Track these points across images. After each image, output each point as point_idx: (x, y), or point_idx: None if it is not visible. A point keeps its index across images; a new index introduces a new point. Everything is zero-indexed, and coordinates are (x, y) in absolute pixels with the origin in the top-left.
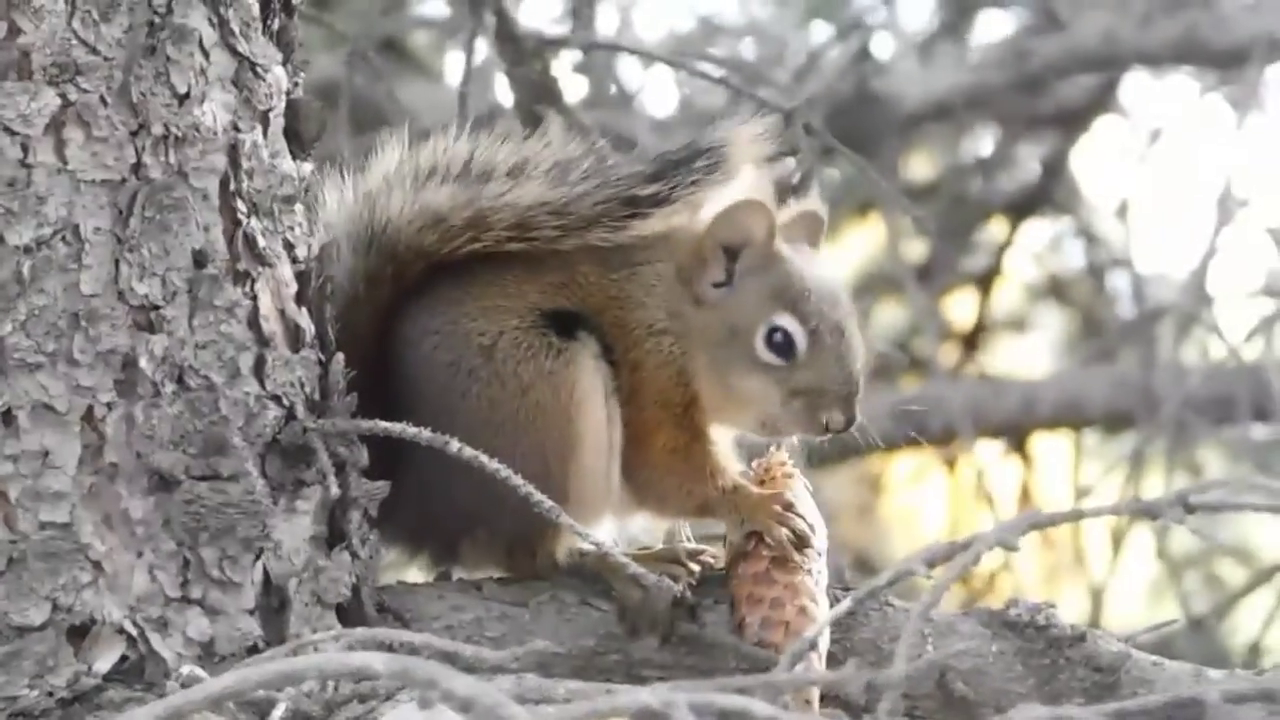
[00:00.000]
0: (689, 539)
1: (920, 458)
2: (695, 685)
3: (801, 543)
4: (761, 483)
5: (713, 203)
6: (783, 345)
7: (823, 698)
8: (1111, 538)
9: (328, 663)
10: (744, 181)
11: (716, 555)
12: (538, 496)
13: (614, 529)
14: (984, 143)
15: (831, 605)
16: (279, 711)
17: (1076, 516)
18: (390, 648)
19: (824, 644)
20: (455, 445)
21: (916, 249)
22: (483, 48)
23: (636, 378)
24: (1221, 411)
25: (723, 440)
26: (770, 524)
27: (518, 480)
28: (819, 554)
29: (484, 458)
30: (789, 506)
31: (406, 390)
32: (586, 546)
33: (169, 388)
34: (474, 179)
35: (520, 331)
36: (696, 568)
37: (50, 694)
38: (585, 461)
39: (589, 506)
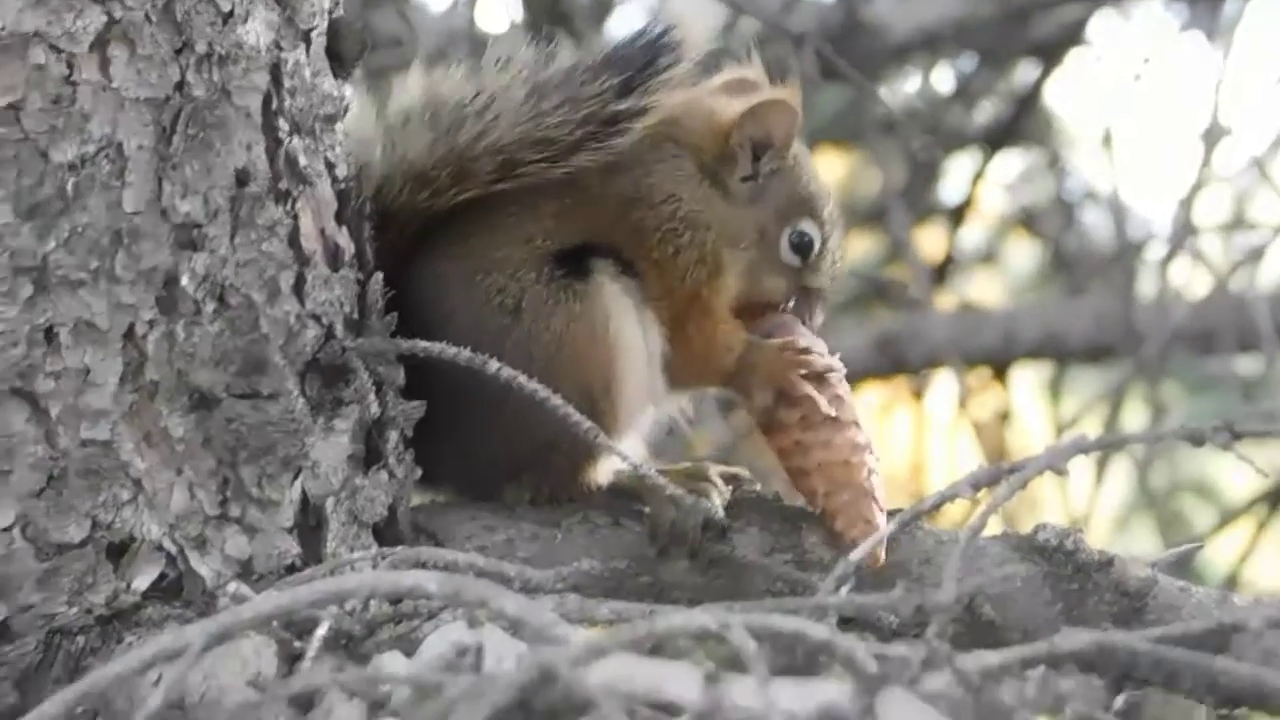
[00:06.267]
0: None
1: (890, 389)
2: (747, 608)
3: (822, 379)
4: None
5: (734, 84)
6: (803, 249)
7: (849, 621)
8: (1096, 469)
9: (379, 581)
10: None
11: (751, 477)
12: (577, 419)
13: (645, 448)
14: (960, 74)
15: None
16: (322, 630)
17: (1122, 442)
18: (426, 566)
19: (878, 482)
20: (494, 365)
21: (882, 182)
22: None
23: (667, 276)
24: (1204, 345)
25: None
26: (790, 377)
27: (557, 401)
28: (840, 378)
29: (523, 378)
30: (804, 350)
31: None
32: (624, 467)
33: (210, 306)
34: (446, 126)
35: (541, 287)
36: (729, 489)
37: (89, 611)
38: (630, 390)
39: (634, 426)
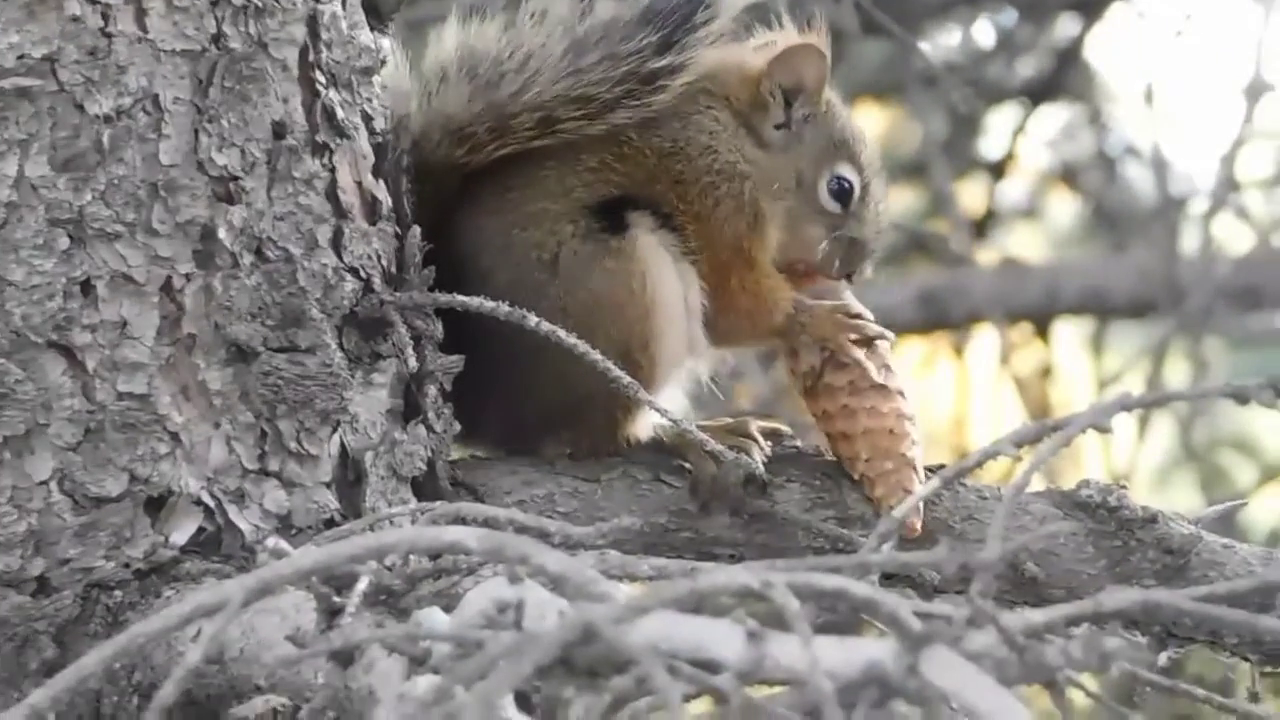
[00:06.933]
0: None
1: (930, 344)
2: (789, 565)
3: (871, 346)
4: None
5: (767, 45)
6: (842, 194)
7: (892, 576)
8: (1138, 425)
9: (419, 537)
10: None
11: (792, 433)
12: (616, 373)
13: (684, 403)
14: (1000, 28)
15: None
16: (362, 585)
17: (1166, 399)
18: (466, 522)
19: (920, 454)
20: (533, 320)
21: (921, 136)
22: None
23: (706, 228)
24: (1247, 301)
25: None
26: (841, 341)
27: (596, 356)
28: (889, 348)
29: (561, 332)
30: (856, 315)
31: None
32: (664, 422)
33: (247, 259)
34: (484, 81)
35: (578, 241)
36: (769, 444)
37: (127, 565)
38: (667, 345)
39: (671, 381)
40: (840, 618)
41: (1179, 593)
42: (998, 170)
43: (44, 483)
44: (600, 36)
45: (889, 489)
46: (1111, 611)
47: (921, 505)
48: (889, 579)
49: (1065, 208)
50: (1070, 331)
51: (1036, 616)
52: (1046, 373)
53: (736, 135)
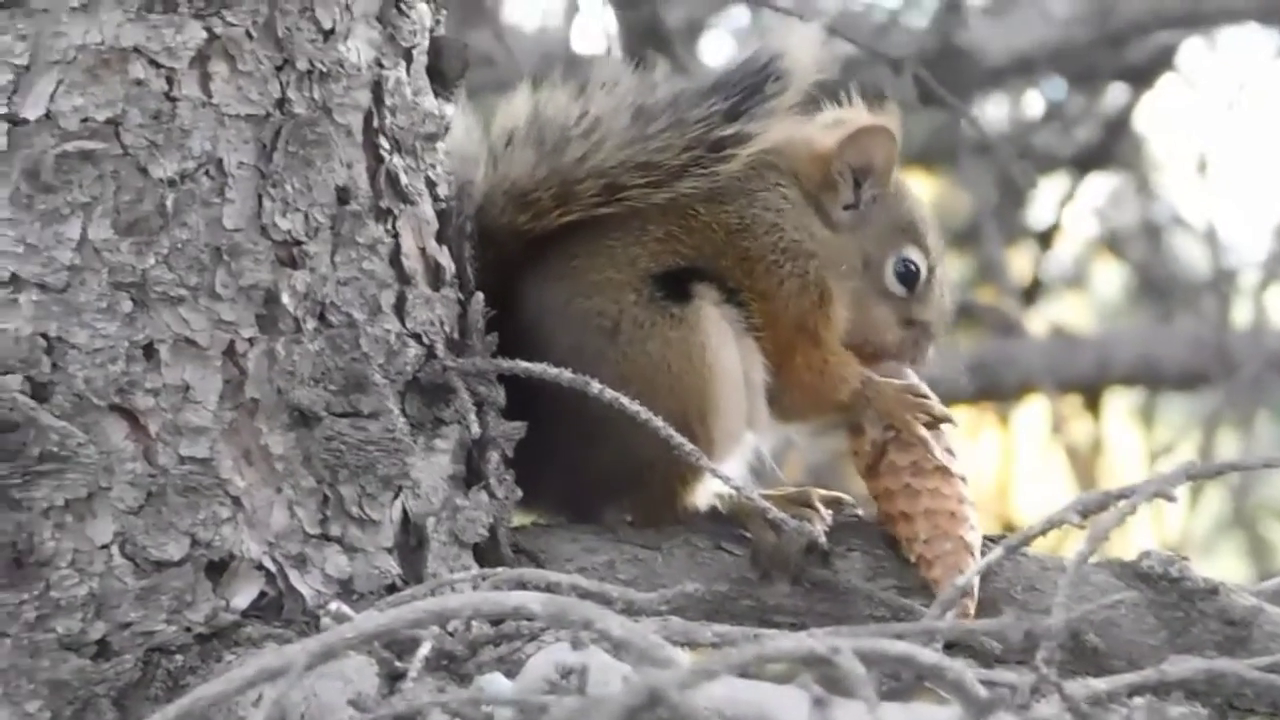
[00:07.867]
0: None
1: (973, 412)
2: (854, 632)
3: (935, 429)
4: None
5: (837, 123)
6: (908, 277)
7: (952, 645)
8: (1190, 495)
9: (484, 602)
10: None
11: (853, 502)
12: (678, 439)
13: (747, 472)
14: (1049, 98)
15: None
16: (424, 650)
17: (1231, 468)
18: (528, 587)
19: (977, 539)
20: (596, 387)
21: (969, 204)
22: None
23: (771, 306)
24: None
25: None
26: (908, 420)
27: (659, 423)
28: (952, 431)
29: (624, 400)
30: (923, 396)
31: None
32: (725, 490)
33: (310, 324)
34: (550, 147)
35: (639, 309)
36: (830, 513)
37: (188, 629)
38: (725, 418)
39: (730, 455)
40: (901, 685)
41: (1243, 662)
42: (1045, 239)
43: (105, 546)
44: (668, 104)
45: (946, 570)
46: (1176, 681)
47: (976, 590)
48: (949, 648)
49: (1111, 276)
50: (1120, 403)
51: (1100, 685)
52: (1096, 445)
53: (804, 214)
